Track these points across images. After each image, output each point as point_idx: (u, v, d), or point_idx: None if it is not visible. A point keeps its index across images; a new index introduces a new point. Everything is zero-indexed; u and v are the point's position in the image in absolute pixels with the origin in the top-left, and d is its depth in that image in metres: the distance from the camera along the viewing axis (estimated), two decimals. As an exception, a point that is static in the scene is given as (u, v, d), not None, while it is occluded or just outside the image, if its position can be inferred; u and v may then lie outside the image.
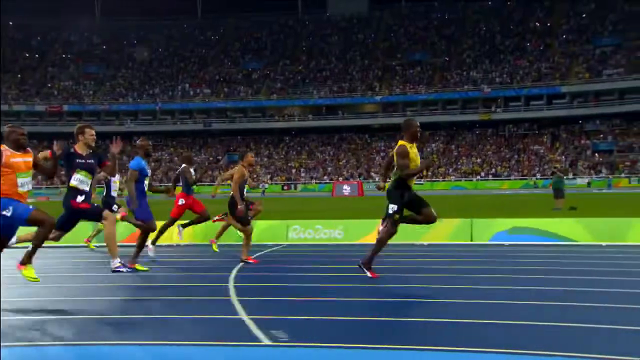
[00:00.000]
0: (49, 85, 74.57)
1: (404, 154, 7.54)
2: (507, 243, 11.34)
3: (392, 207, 7.61)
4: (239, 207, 9.34)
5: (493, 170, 65.04)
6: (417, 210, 7.73)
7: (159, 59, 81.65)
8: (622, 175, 58.77)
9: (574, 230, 11.47)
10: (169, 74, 79.07)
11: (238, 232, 9.89)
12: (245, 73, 78.70)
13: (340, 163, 69.79)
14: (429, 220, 7.74)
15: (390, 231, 7.66)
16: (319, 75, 77.09)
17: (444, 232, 11.72)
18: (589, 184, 56.15)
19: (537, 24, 77.08)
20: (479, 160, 66.98)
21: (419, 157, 7.72)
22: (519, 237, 11.45)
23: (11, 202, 6.06)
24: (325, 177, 66.30)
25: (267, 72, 78.52)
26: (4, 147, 6.15)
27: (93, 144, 7.11)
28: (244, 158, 9.80)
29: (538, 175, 61.52)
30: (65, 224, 7.18)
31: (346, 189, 43.06)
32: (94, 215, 7.07)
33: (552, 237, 11.38)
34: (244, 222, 9.52)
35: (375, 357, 4.12)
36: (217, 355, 4.23)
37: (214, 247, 11.06)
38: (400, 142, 7.71)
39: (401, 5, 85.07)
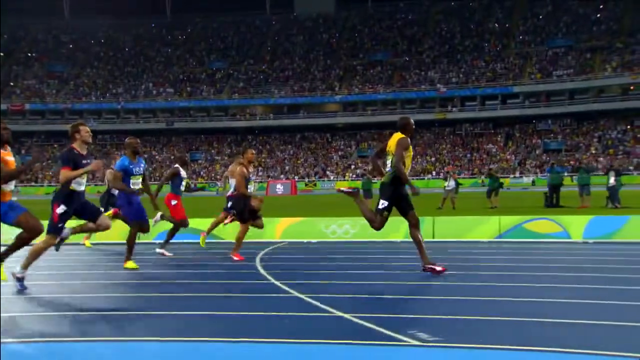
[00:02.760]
0: (12, 84, 75.17)
1: (406, 145, 7.51)
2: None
3: (383, 203, 7.56)
4: (252, 201, 9.50)
5: (445, 168, 66.81)
6: (403, 211, 7.66)
7: (125, 59, 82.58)
8: (566, 174, 60.70)
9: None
10: (133, 73, 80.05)
11: (251, 227, 9.88)
12: (209, 72, 79.88)
13: (299, 162, 71.29)
14: (411, 222, 7.64)
15: (379, 223, 7.64)
16: (281, 75, 78.44)
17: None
18: (533, 182, 58.11)
19: (497, 25, 78.91)
20: (433, 159, 68.77)
21: (411, 156, 7.69)
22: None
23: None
24: (282, 175, 67.75)
25: (231, 71, 79.75)
26: None
27: (90, 141, 7.05)
28: (244, 155, 9.96)
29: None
30: (57, 229, 7.01)
31: (279, 187, 44.40)
32: (50, 227, 6.88)
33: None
34: (244, 220, 9.62)
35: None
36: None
37: (202, 241, 10.74)
38: (402, 135, 7.65)
39: (367, 5, 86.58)
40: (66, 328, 4.93)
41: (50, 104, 74.30)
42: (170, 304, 6.03)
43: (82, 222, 7.28)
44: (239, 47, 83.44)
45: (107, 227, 7.18)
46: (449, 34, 79.43)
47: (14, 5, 77.12)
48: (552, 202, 21.68)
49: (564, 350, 3.94)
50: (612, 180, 20.87)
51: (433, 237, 11.88)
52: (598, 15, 72.87)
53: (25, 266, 6.74)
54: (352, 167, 68.86)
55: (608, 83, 65.49)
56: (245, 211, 9.57)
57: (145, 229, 8.77)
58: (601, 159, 62.49)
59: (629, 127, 65.06)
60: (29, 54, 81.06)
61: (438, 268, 7.47)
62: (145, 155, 72.95)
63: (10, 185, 6.15)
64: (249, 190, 9.71)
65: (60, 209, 6.83)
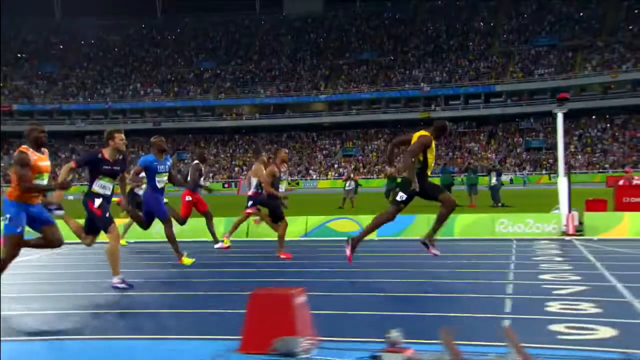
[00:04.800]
0: (0, 84, 75.87)
1: (426, 142, 7.45)
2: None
3: (402, 196, 7.57)
4: (283, 201, 9.77)
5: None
6: (434, 198, 7.66)
7: (114, 59, 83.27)
8: (544, 172, 61.75)
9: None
10: (122, 74, 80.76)
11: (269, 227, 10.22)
12: (197, 72, 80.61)
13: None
14: (449, 205, 7.62)
15: (388, 217, 7.74)
16: (268, 75, 79.17)
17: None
18: (511, 180, 58.94)
19: (482, 23, 79.63)
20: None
21: (434, 155, 7.68)
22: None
23: (17, 213, 5.98)
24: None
25: (219, 71, 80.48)
26: (28, 149, 6.03)
27: (124, 149, 7.12)
28: (277, 154, 10.12)
29: (465, 173, 64.16)
30: (92, 227, 7.20)
31: (251, 186, 44.92)
32: (102, 224, 6.99)
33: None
34: (276, 219, 9.88)
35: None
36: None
37: (226, 241, 10.99)
38: (427, 133, 7.63)
39: (356, 5, 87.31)
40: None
41: (38, 104, 75.03)
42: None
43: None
44: (227, 47, 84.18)
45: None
46: (435, 33, 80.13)
47: (4, 6, 77.75)
48: None
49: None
50: (494, 180, 21.81)
51: (246, 236, 12.77)
52: (581, 14, 73.61)
53: (116, 272, 6.92)
54: (336, 166, 69.67)
55: (588, 82, 66.28)
56: (277, 209, 9.77)
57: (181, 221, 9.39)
58: (579, 157, 63.46)
59: (608, 125, 65.94)
60: (19, 55, 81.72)
61: (436, 252, 7.83)
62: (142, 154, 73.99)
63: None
64: (280, 190, 9.92)
65: (97, 202, 6.96)
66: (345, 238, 7.97)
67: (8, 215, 5.92)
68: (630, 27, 67.90)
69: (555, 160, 63.49)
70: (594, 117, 66.92)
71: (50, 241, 6.23)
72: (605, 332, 4.69)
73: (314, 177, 67.58)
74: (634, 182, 14.70)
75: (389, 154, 8.49)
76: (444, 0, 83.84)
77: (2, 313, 5.22)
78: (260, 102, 76.31)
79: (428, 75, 74.20)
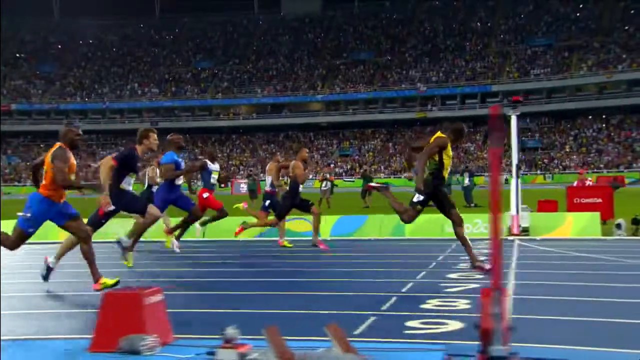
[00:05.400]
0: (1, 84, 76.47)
1: (442, 144, 7.44)
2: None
3: (418, 197, 7.55)
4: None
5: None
6: (445, 211, 7.67)
7: (112, 59, 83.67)
8: (539, 172, 61.80)
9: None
10: (119, 74, 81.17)
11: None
12: (194, 72, 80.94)
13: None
14: (459, 222, 7.65)
15: (409, 216, 7.70)
16: (265, 75, 79.45)
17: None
18: (506, 180, 58.91)
19: (479, 23, 79.70)
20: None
21: (450, 157, 7.66)
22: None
23: (40, 213, 6.06)
24: (262, 174, 68.70)
25: (216, 71, 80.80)
26: (64, 146, 6.12)
27: (156, 149, 7.36)
28: (299, 153, 10.45)
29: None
30: (97, 224, 7.42)
31: (243, 186, 45.31)
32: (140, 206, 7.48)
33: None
34: (282, 217, 10.34)
35: None
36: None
37: (286, 244, 11.21)
38: (444, 135, 7.62)
39: (354, 5, 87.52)
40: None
41: (36, 104, 75.49)
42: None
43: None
44: (225, 47, 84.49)
45: (156, 218, 7.51)
46: (432, 33, 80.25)
47: (3, 6, 78.31)
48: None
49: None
50: (466, 181, 22.02)
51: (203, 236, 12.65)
52: (577, 14, 73.60)
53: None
54: (332, 165, 69.84)
55: (584, 82, 66.28)
56: (283, 210, 10.14)
57: (198, 215, 9.63)
58: (574, 157, 63.46)
59: (604, 125, 65.90)
60: (17, 55, 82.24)
61: (487, 266, 7.19)
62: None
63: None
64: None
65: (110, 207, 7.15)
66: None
67: (29, 215, 6.01)
68: (626, 28, 67.85)
69: (551, 160, 63.94)
70: (589, 117, 66.91)
71: (78, 232, 6.31)
72: (454, 325, 4.90)
73: (311, 176, 67.70)
74: (587, 183, 14.87)
75: (408, 158, 8.38)
76: (441, 1, 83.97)
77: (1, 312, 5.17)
78: (257, 102, 76.60)
79: (425, 75, 74.31)
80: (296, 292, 6.84)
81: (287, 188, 10.72)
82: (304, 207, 10.43)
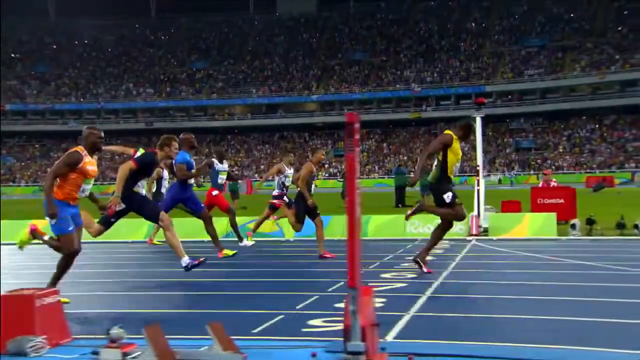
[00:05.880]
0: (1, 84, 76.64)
1: (445, 141, 7.45)
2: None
3: (448, 196, 7.54)
4: (308, 201, 9.74)
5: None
6: (442, 210, 7.69)
7: (107, 59, 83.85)
8: (532, 172, 61.86)
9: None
10: (115, 74, 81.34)
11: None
12: (189, 73, 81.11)
13: (274, 161, 72.39)
14: (447, 226, 7.81)
15: (452, 216, 7.70)
16: (260, 75, 79.61)
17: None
18: (499, 181, 59.12)
19: (474, 24, 79.81)
20: (405, 158, 69.81)
21: (460, 153, 7.66)
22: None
23: (63, 212, 5.92)
24: (256, 174, 68.98)
25: (211, 71, 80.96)
26: (83, 150, 6.06)
27: (174, 157, 7.30)
28: (315, 155, 10.37)
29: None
30: (107, 223, 7.43)
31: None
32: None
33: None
34: (299, 219, 10.06)
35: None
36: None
37: (250, 239, 11.17)
38: (448, 132, 7.60)
39: (349, 5, 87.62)
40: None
41: (30, 104, 75.67)
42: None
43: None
44: (220, 48, 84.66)
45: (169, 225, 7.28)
46: (427, 34, 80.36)
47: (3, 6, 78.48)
48: (399, 202, 22.82)
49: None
50: None
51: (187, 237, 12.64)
52: (571, 15, 73.70)
53: (182, 253, 7.28)
54: (327, 166, 69.97)
55: (577, 82, 66.39)
56: (302, 210, 9.90)
57: (207, 217, 9.30)
58: (567, 157, 63.54)
59: (597, 126, 65.99)
60: (12, 55, 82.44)
61: (425, 269, 7.55)
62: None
63: (87, 192, 6.15)
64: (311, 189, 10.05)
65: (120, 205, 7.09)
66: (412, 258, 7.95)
67: (54, 221, 5.90)
68: (619, 29, 67.92)
69: (545, 160, 64.00)
70: (583, 117, 67.01)
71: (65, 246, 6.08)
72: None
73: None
74: (552, 184, 14.99)
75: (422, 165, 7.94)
76: (436, 1, 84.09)
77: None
78: (252, 102, 76.78)
79: (419, 75, 74.44)
80: (222, 293, 6.99)
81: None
82: (311, 214, 10.08)
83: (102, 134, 6.11)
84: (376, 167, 69.06)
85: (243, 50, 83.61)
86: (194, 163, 9.08)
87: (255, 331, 4.85)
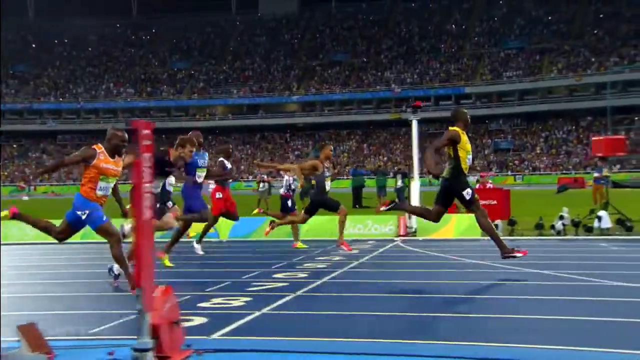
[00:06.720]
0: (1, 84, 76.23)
1: (452, 136, 7.50)
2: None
3: (468, 193, 7.55)
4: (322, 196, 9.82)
5: (395, 168, 68.08)
6: (443, 204, 7.77)
7: (88, 59, 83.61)
8: (509, 173, 62.36)
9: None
10: (95, 74, 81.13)
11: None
12: (170, 73, 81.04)
13: (255, 161, 72.36)
14: (437, 219, 7.90)
15: (483, 214, 7.63)
16: (241, 75, 79.67)
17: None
18: (477, 181, 59.34)
19: (454, 26, 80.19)
20: (385, 158, 70.09)
21: (469, 145, 7.71)
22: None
23: (90, 205, 6.05)
24: (237, 175, 69.02)
25: (193, 72, 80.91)
26: (101, 148, 6.13)
27: (188, 160, 7.38)
28: (322, 150, 10.16)
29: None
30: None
31: (211, 187, 45.65)
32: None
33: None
34: (309, 211, 10.10)
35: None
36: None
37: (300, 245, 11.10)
38: (453, 128, 7.63)
39: (331, 6, 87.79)
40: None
41: (8, 103, 75.30)
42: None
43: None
44: (202, 48, 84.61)
45: (172, 226, 7.65)
46: (408, 35, 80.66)
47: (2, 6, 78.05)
48: (356, 203, 23.09)
49: None
50: (399, 182, 22.44)
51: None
52: (550, 18, 74.21)
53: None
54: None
55: (554, 84, 66.88)
56: (315, 205, 9.91)
57: (205, 219, 9.25)
58: (544, 158, 64.03)
59: (574, 127, 66.52)
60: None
61: (519, 253, 7.48)
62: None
63: (107, 191, 6.21)
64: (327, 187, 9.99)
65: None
66: None
67: (87, 211, 6.05)
68: (595, 32, 68.51)
69: (522, 161, 64.48)
70: (560, 119, 67.51)
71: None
72: (199, 321, 5.17)
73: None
74: (488, 186, 15.19)
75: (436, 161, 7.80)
76: (417, 3, 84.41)
77: None
78: (233, 103, 76.82)
79: (399, 76, 74.75)
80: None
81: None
82: (332, 206, 10.00)
83: (126, 136, 6.10)
84: (364, 168, 69.20)
85: (224, 51, 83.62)
86: (199, 161, 8.98)
87: (92, 331, 4.96)
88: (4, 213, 6.69)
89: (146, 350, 3.74)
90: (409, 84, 73.36)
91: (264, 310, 5.60)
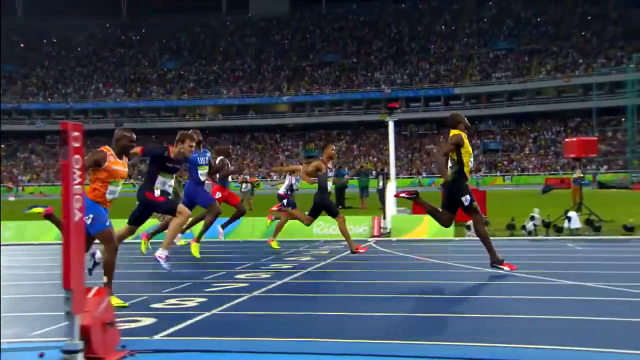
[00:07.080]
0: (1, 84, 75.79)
1: (456, 141, 7.57)
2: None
3: (466, 199, 7.55)
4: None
5: (385, 169, 68.20)
6: (450, 209, 7.79)
7: (77, 59, 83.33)
8: (498, 173, 62.59)
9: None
10: (84, 74, 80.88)
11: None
12: (160, 73, 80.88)
13: (245, 162, 72.47)
14: (447, 224, 7.99)
15: (481, 221, 7.73)
16: (231, 75, 79.61)
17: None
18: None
19: (444, 27, 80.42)
20: (375, 159, 70.15)
21: (471, 148, 7.80)
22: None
23: (96, 210, 5.90)
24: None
25: (183, 72, 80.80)
26: (109, 150, 6.00)
27: (188, 155, 7.26)
28: (325, 150, 10.26)
29: (424, 174, 64.91)
30: (138, 218, 7.30)
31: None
32: (168, 207, 7.20)
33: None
34: (312, 213, 10.19)
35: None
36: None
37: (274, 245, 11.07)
38: (456, 132, 7.69)
39: (321, 6, 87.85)
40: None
41: (-6, 103, 74.98)
42: None
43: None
44: (192, 48, 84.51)
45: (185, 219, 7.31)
46: (398, 36, 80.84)
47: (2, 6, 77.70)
48: (338, 203, 23.09)
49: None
50: (381, 183, 22.45)
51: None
52: (538, 19, 74.53)
53: (167, 246, 7.14)
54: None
55: (543, 85, 67.18)
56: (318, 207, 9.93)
57: (218, 212, 9.14)
58: (533, 159, 64.26)
59: (562, 128, 66.79)
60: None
61: (507, 267, 7.57)
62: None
63: (116, 194, 6.07)
64: (329, 187, 10.09)
65: (157, 192, 7.10)
66: None
67: (91, 216, 5.87)
68: (583, 33, 68.86)
69: (511, 162, 64.68)
70: (549, 120, 67.80)
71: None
72: (147, 321, 5.19)
73: (275, 178, 67.97)
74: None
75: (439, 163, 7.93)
76: (407, 4, 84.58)
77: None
78: (223, 103, 76.76)
79: (389, 77, 74.87)
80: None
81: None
82: (332, 211, 10.19)
83: (134, 137, 6.07)
84: (346, 169, 69.14)
85: (214, 51, 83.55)
86: (199, 159, 8.99)
87: (35, 333, 4.96)
88: (38, 210, 6.66)
89: (75, 352, 3.74)
90: (399, 85, 73.49)
91: (214, 311, 5.61)
